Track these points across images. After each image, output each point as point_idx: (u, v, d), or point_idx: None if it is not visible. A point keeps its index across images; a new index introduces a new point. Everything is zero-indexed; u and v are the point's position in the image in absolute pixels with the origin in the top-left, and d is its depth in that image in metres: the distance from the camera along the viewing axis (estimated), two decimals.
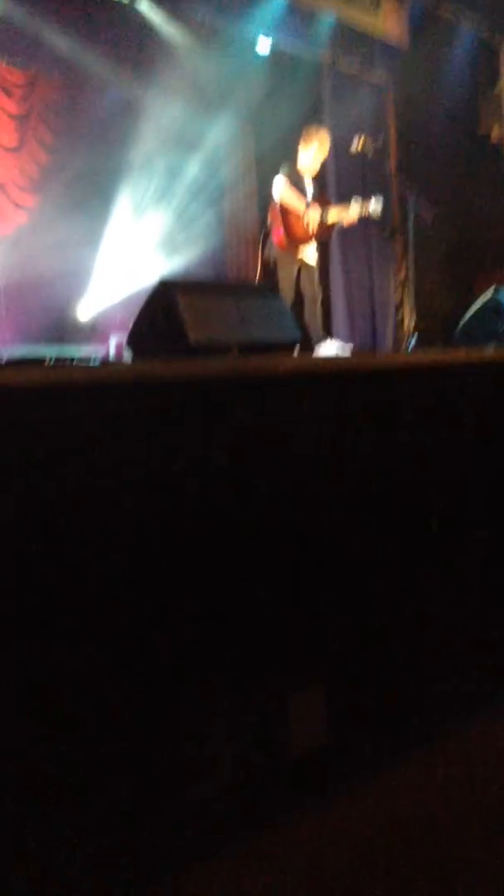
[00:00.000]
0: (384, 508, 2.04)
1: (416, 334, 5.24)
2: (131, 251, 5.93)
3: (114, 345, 5.41)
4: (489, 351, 3.39)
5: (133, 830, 1.38)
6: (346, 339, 5.83)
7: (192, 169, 6.03)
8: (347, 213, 4.72)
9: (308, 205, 4.65)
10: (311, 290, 4.83)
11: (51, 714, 1.32)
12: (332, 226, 4.80)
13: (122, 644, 1.43)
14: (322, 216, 4.66)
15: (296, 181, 4.71)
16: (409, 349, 5.03)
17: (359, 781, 1.60)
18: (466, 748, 1.76)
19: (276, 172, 4.73)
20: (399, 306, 6.12)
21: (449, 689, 1.92)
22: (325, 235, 4.87)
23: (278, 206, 4.65)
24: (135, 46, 5.71)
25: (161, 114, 5.76)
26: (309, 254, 4.80)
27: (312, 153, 4.77)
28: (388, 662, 1.89)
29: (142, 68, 5.74)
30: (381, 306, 7.01)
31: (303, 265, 4.77)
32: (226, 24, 5.83)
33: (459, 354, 2.87)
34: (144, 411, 1.50)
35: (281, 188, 4.65)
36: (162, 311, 2.39)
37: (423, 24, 6.60)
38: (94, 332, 5.72)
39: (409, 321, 5.37)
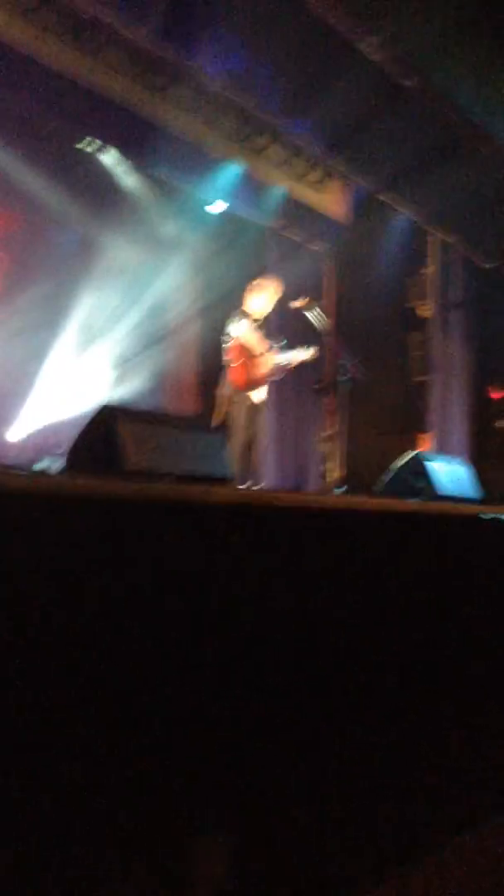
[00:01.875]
0: (299, 641, 2.01)
1: (343, 487, 5.37)
2: (73, 379, 6.00)
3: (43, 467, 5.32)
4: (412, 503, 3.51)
5: None
6: (276, 484, 5.95)
7: (140, 309, 6.27)
8: (292, 358, 4.97)
9: (268, 349, 4.89)
10: (260, 430, 4.96)
11: None
12: (278, 369, 5.03)
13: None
14: (274, 359, 4.91)
15: (250, 327, 4.95)
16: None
17: None
18: None
19: (220, 322, 4.96)
20: (326, 459, 6.29)
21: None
22: (276, 377, 5.09)
23: (240, 347, 4.83)
24: (96, 190, 6.05)
25: (115, 254, 6.05)
26: (259, 395, 4.95)
27: (264, 300, 5.04)
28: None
29: (101, 211, 6.06)
30: (309, 457, 7.20)
31: (253, 405, 4.91)
32: (184, 184, 6.29)
33: (366, 501, 2.97)
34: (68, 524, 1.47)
35: (245, 330, 4.85)
36: (102, 434, 2.39)
37: (364, 205, 7.24)
38: (24, 453, 5.64)
39: (335, 473, 5.51)
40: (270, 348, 4.97)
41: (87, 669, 1.46)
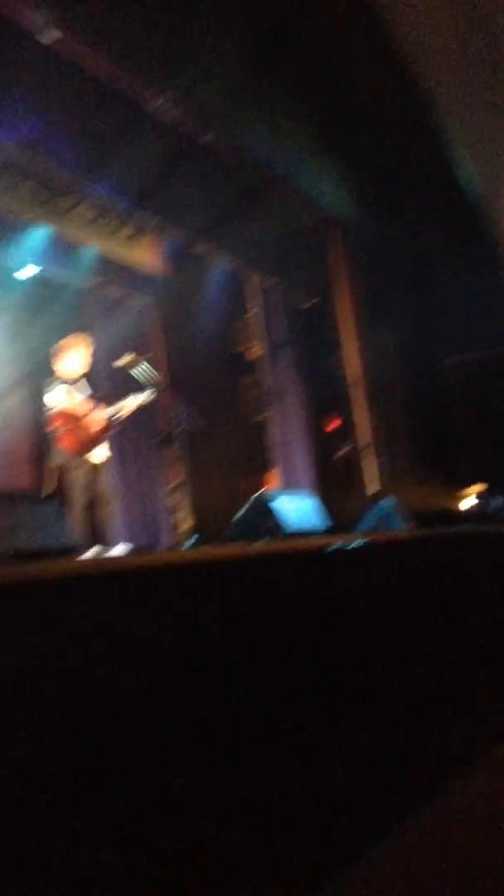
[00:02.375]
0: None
1: (195, 536, 5.31)
2: None
3: None
4: (252, 545, 3.49)
5: None
6: (127, 542, 5.79)
7: None
8: (125, 406, 4.85)
9: (92, 407, 4.74)
10: (105, 489, 4.78)
11: None
12: (112, 423, 4.89)
13: None
14: (103, 414, 4.77)
15: (67, 389, 4.79)
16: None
17: None
18: None
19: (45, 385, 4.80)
20: (175, 510, 6.23)
21: None
22: (108, 432, 4.93)
23: (62, 414, 4.66)
24: None
25: None
26: (98, 454, 4.78)
27: (75, 360, 4.91)
28: None
29: None
30: (158, 510, 7.09)
31: (94, 467, 4.74)
32: None
33: (230, 549, 2.94)
34: None
35: (62, 396, 4.69)
36: None
37: (181, 256, 7.33)
38: None
39: (185, 524, 5.44)
40: (97, 405, 4.84)
41: None
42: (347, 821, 1.93)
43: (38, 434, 5.65)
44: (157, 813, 1.68)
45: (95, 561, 3.13)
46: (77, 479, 4.66)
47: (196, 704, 2.09)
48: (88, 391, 4.93)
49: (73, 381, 4.86)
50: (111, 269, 6.89)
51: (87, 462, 4.73)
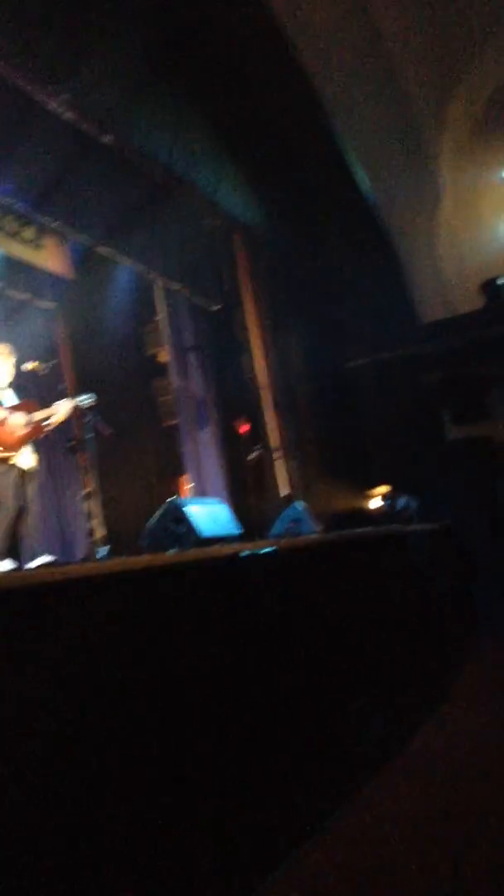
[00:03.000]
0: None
1: (107, 546, 5.23)
2: None
3: None
4: (170, 554, 3.48)
5: None
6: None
7: None
8: (58, 412, 4.70)
9: (9, 410, 4.57)
10: (32, 499, 4.60)
11: None
12: (43, 425, 4.72)
13: None
14: (29, 419, 4.60)
15: None
16: (99, 558, 4.97)
17: None
18: None
19: None
20: (91, 517, 6.12)
21: None
22: (36, 436, 4.75)
23: None
24: None
25: None
26: (25, 460, 4.63)
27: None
28: None
29: None
30: (72, 519, 6.95)
31: (22, 472, 4.58)
32: None
33: (141, 560, 2.92)
34: None
35: None
36: None
37: (86, 259, 7.21)
38: None
39: (98, 532, 5.36)
40: (16, 410, 4.68)
41: None
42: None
43: None
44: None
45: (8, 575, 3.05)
46: (6, 487, 4.50)
47: (104, 718, 2.07)
48: (13, 400, 4.76)
49: None
50: (15, 270, 6.70)
51: (14, 468, 4.56)
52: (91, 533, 5.96)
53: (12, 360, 4.85)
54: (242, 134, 7.76)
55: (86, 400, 4.79)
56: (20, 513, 4.52)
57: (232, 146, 7.74)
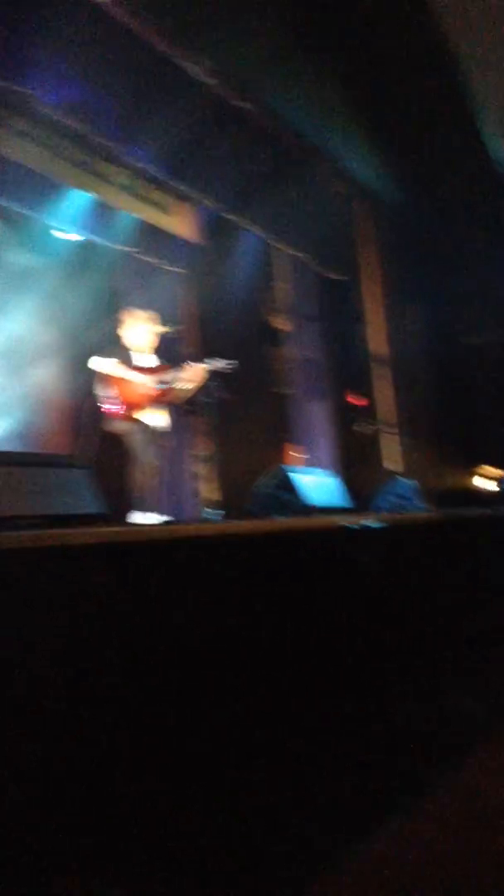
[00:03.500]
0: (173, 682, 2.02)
1: (221, 511, 5.36)
2: None
3: None
4: (278, 521, 3.57)
5: None
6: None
7: None
8: (191, 375, 4.84)
9: (137, 371, 4.77)
10: (155, 458, 4.79)
11: None
12: (178, 390, 4.89)
13: None
14: (165, 381, 4.79)
15: (125, 357, 4.83)
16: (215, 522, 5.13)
17: None
18: None
19: (87, 349, 4.85)
20: (198, 480, 6.30)
21: None
22: (165, 398, 4.90)
23: (110, 379, 4.71)
24: None
25: None
26: (154, 420, 4.81)
27: (138, 331, 4.94)
28: None
29: None
30: (187, 480, 7.15)
31: (149, 431, 4.77)
32: (31, 212, 6.14)
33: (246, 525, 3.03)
34: None
35: (110, 365, 4.72)
36: None
37: (214, 225, 7.34)
38: None
39: (212, 496, 5.52)
40: (154, 372, 4.86)
41: None
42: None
43: (77, 399, 5.71)
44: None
45: (124, 530, 3.24)
46: (136, 444, 4.70)
47: (214, 673, 2.19)
48: (149, 363, 4.94)
49: (134, 352, 4.89)
50: (148, 236, 6.91)
51: (142, 426, 4.75)
52: (204, 496, 6.13)
53: (155, 328, 5.00)
54: (377, 103, 7.61)
55: (220, 364, 4.88)
56: (144, 469, 4.72)
57: (365, 116, 7.61)
